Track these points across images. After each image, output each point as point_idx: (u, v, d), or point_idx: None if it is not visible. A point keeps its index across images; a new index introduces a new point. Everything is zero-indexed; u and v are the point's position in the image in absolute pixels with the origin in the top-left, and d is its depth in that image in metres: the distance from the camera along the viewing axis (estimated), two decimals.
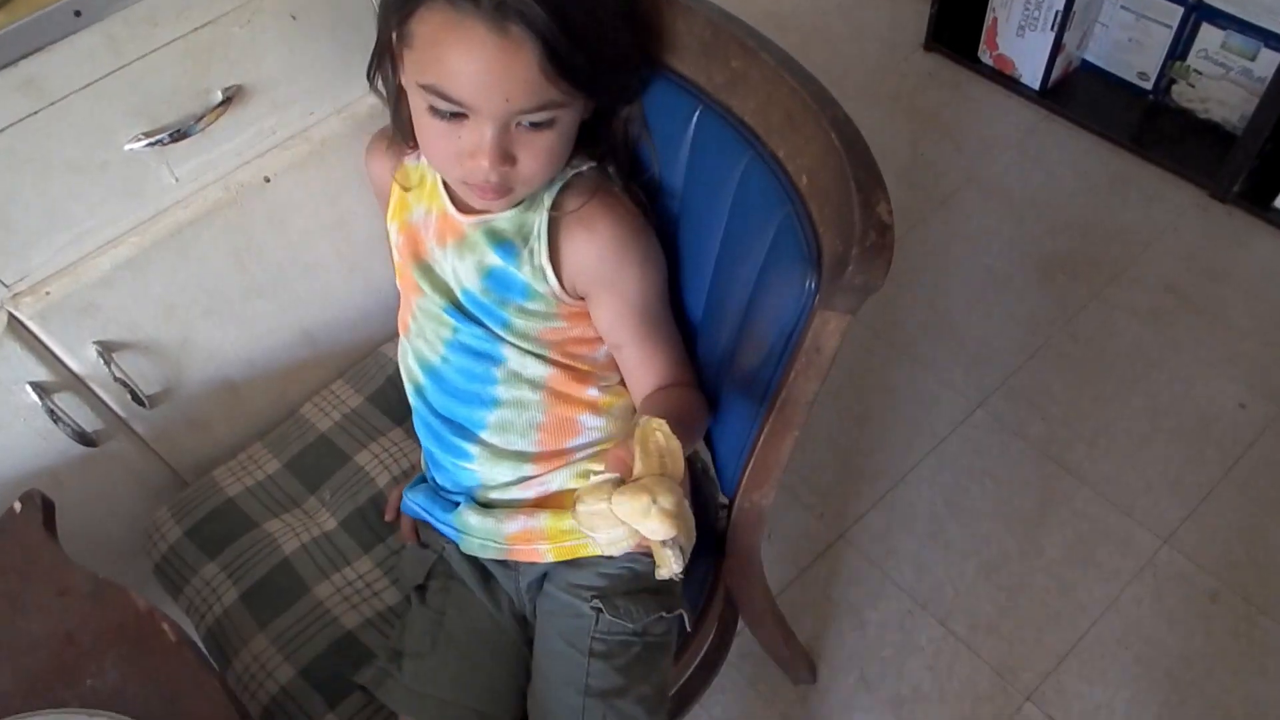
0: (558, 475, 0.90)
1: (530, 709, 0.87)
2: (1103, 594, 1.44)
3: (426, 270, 0.89)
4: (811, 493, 1.57)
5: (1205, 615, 1.41)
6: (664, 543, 0.64)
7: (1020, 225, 1.92)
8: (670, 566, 0.65)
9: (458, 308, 0.88)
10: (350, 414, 1.12)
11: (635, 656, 0.88)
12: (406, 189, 0.90)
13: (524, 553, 0.90)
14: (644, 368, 0.89)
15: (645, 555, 0.90)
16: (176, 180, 0.94)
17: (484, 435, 0.90)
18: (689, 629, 0.94)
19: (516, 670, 0.91)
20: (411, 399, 0.96)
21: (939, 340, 1.75)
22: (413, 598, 0.94)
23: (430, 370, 0.92)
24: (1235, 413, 1.62)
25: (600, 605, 0.87)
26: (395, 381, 1.03)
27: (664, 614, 0.90)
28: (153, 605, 0.74)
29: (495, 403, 0.89)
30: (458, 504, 0.93)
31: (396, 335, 0.98)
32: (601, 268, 0.84)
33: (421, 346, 0.92)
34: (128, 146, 0.88)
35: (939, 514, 1.53)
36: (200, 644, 0.91)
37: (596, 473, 0.88)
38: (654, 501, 0.63)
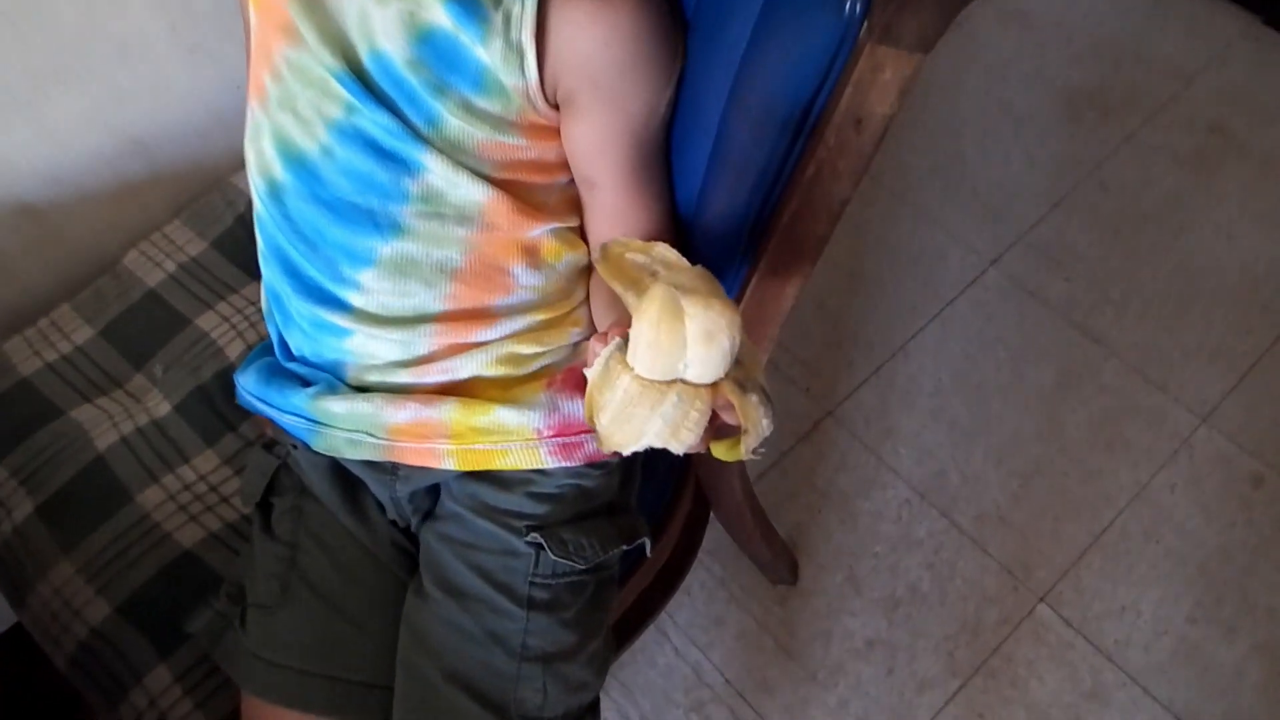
0: (469, 358, 0.65)
1: (412, 667, 0.65)
2: (1130, 480, 1.24)
3: (313, 4, 0.59)
4: (796, 364, 1.34)
5: (1247, 503, 1.23)
6: (755, 399, 0.45)
7: (1043, 54, 1.65)
8: (760, 427, 0.45)
9: (359, 78, 0.59)
10: (189, 264, 0.86)
11: (587, 602, 0.67)
12: None
13: (411, 453, 0.66)
14: (620, 220, 0.64)
15: (592, 468, 0.67)
16: None
17: (368, 279, 0.64)
18: (649, 554, 0.72)
19: (398, 617, 0.68)
20: (260, 206, 0.68)
21: (947, 188, 1.50)
22: (254, 524, 0.71)
23: (298, 163, 0.63)
24: None
25: (541, 541, 0.64)
26: (249, 221, 0.76)
27: (625, 545, 0.68)
28: None
29: (397, 230, 0.62)
30: (311, 385, 0.68)
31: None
32: (605, 67, 0.58)
33: (286, 124, 0.63)
34: None
35: (943, 389, 1.31)
36: None
37: (525, 355, 0.64)
38: (718, 316, 0.43)
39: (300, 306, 0.66)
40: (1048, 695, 1.12)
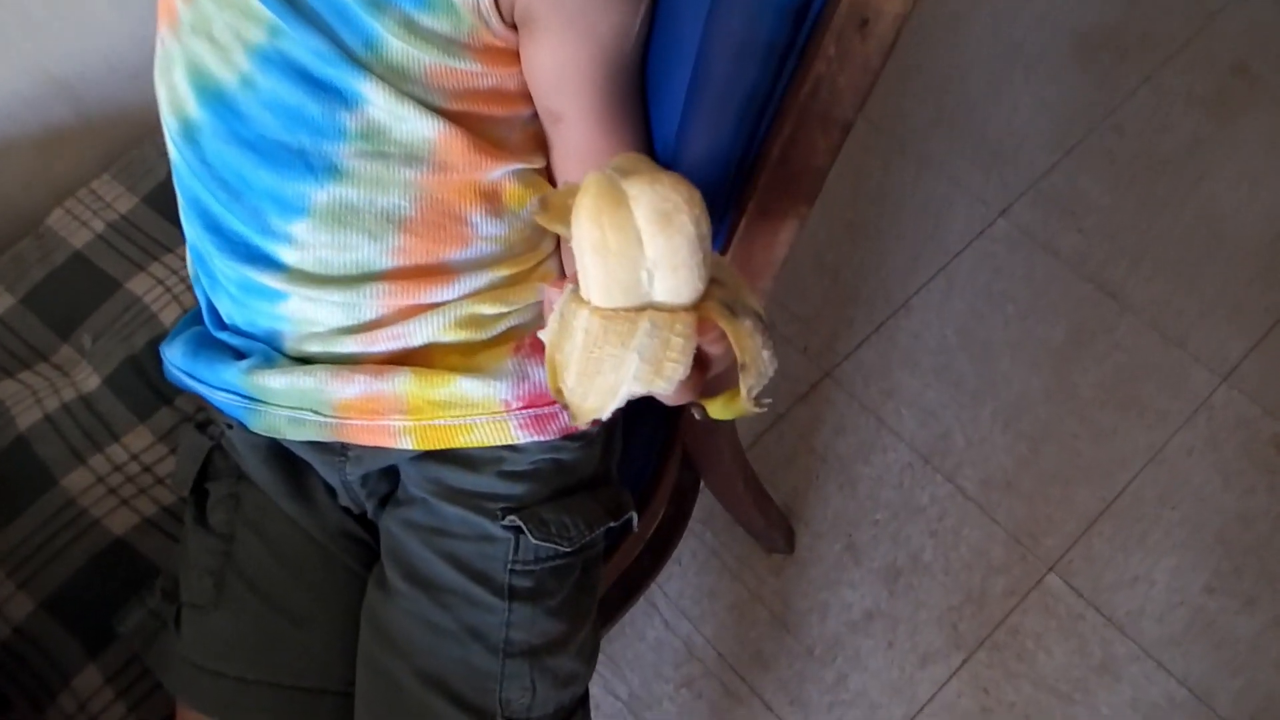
0: (424, 322, 0.57)
1: (376, 668, 0.58)
2: (1145, 443, 1.18)
3: None
4: (792, 321, 1.27)
5: (1269, 467, 1.17)
6: (749, 324, 0.38)
7: None
8: (761, 361, 0.38)
9: None
10: (119, 222, 0.79)
11: (574, 586, 0.61)
12: None
13: (362, 431, 0.59)
14: (589, 160, 0.56)
15: (569, 440, 0.60)
16: None
17: (302, 231, 0.56)
18: (635, 529, 0.65)
19: (352, 614, 0.61)
20: (174, 151, 0.59)
21: (953, 134, 1.42)
22: (187, 514, 0.64)
23: (215, 98, 0.55)
24: None
25: (519, 523, 0.58)
26: None
27: (611, 522, 0.61)
28: None
29: (333, 173, 0.54)
30: (245, 357, 0.60)
31: None
32: None
33: (201, 52, 0.54)
34: None
35: (948, 346, 1.24)
36: None
37: (488, 316, 0.56)
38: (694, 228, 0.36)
39: (225, 267, 0.58)
40: (1056, 668, 1.07)
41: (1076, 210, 1.35)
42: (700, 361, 0.38)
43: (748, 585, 1.13)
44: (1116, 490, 1.16)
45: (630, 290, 0.36)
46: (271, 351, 0.59)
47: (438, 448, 0.58)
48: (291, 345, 0.59)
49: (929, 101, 1.45)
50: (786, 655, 1.08)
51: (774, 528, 1.10)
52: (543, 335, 0.39)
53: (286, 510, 0.62)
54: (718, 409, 0.44)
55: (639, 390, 0.37)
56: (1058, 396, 1.22)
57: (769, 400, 0.38)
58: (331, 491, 0.63)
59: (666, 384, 0.37)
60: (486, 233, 0.57)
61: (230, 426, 0.62)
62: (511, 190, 0.57)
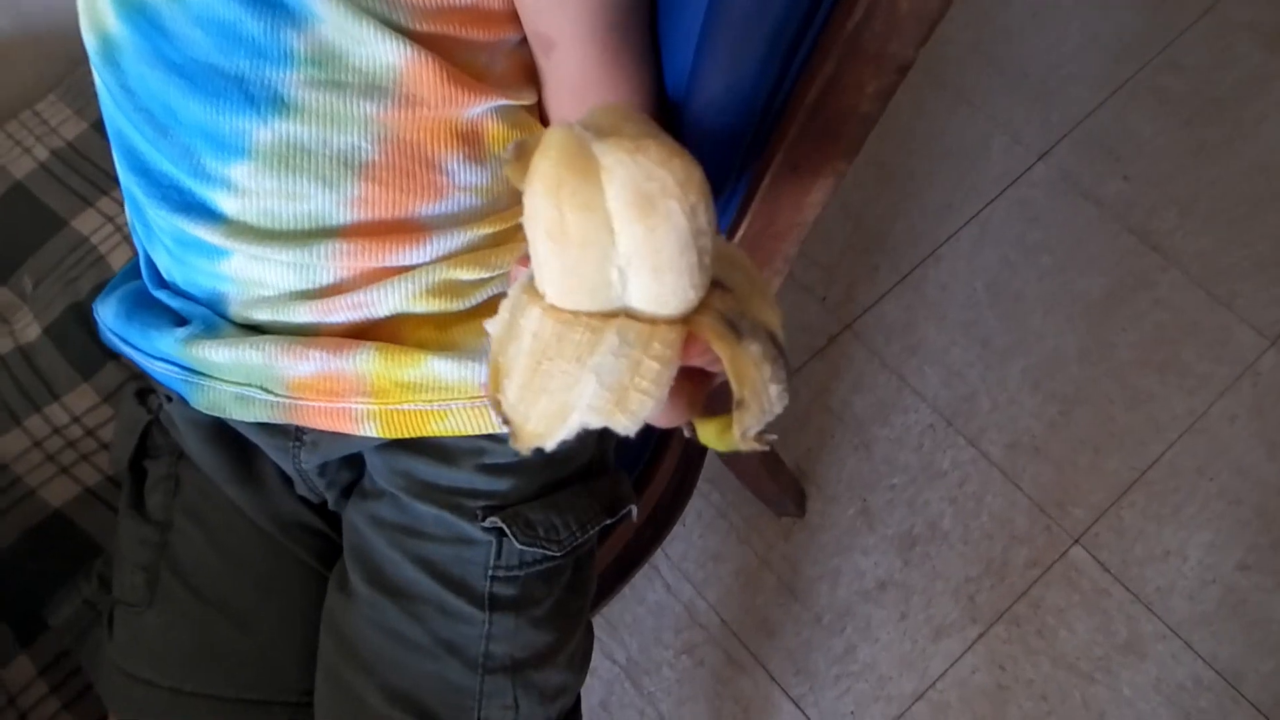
0: (391, 288, 0.49)
1: (338, 681, 0.52)
2: (1185, 408, 1.10)
3: None
4: (811, 268, 1.19)
5: None
6: (756, 350, 0.29)
7: None
8: (766, 397, 0.30)
9: None
10: (64, 150, 0.72)
11: (563, 590, 0.54)
12: None
13: (319, 413, 0.52)
14: (586, 95, 0.48)
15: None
16: None
17: (243, 175, 0.48)
18: (634, 519, 0.58)
19: (308, 616, 0.55)
20: (95, 75, 0.51)
21: (992, 68, 1.31)
22: (123, 494, 0.57)
23: (138, 10, 0.46)
24: None
25: (501, 525, 0.51)
26: None
27: (607, 519, 0.55)
28: None
29: (278, 105, 0.46)
30: (186, 322, 0.53)
31: None
32: None
33: None
34: None
35: (977, 300, 1.16)
36: None
37: (466, 283, 0.48)
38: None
39: (158, 216, 0.50)
40: (1078, 646, 1.01)
41: (1122, 155, 1.25)
42: (699, 375, 0.31)
43: (755, 549, 1.07)
44: (1151, 459, 1.09)
45: (596, 291, 0.27)
46: (214, 317, 0.51)
47: (407, 436, 0.51)
48: (237, 310, 0.51)
49: (967, 31, 1.34)
50: (793, 623, 1.03)
51: (785, 491, 1.04)
52: (489, 327, 0.31)
53: (232, 496, 0.55)
54: (710, 435, 0.36)
55: (593, 422, 0.29)
56: (1093, 356, 1.14)
57: (774, 436, 0.30)
58: (286, 477, 0.56)
59: (629, 420, 0.28)
60: (464, 182, 0.49)
61: (170, 399, 0.55)
62: (495, 131, 0.49)
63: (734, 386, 0.29)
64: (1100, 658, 1.01)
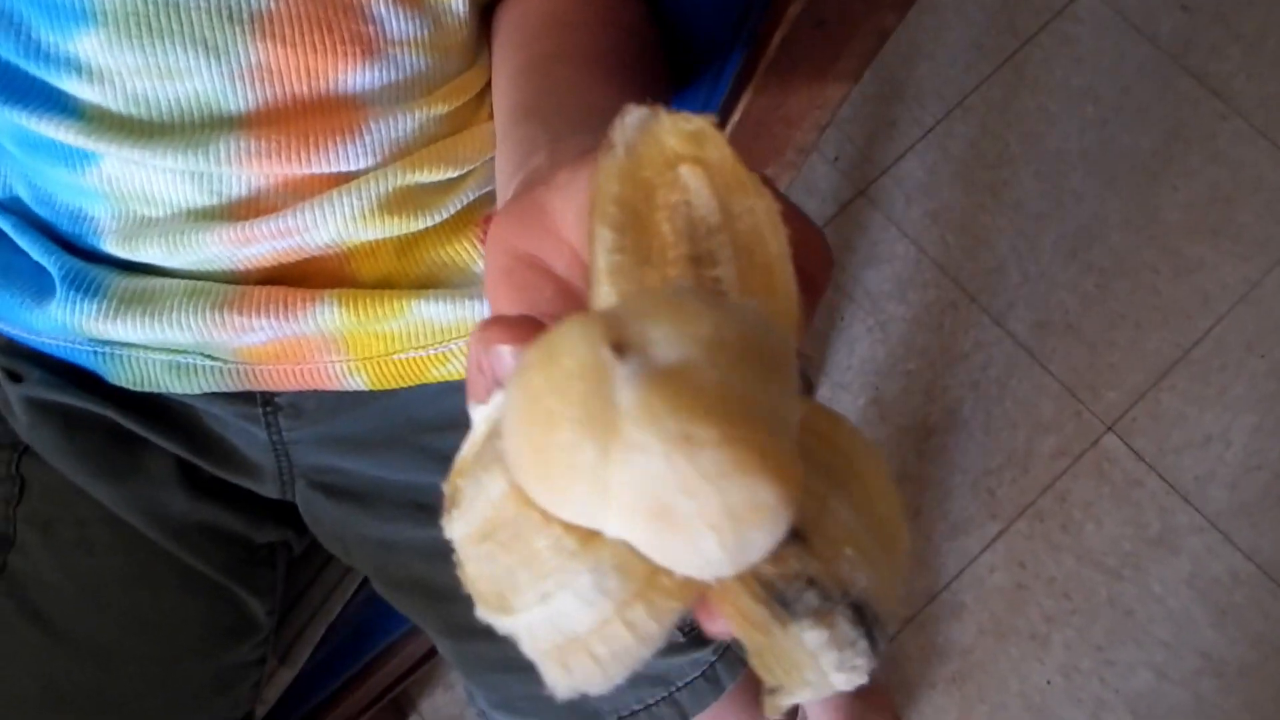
0: (327, 206, 0.37)
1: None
2: (1237, 277, 0.99)
3: None
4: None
5: None
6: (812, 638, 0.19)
7: None
8: (819, 684, 0.20)
9: None
10: None
11: None
12: None
13: (287, 376, 0.41)
14: None
15: None
16: None
17: (92, 48, 0.35)
18: None
19: (200, 646, 0.45)
20: None
21: None
22: None
23: None
24: None
25: None
26: None
27: None
28: None
29: None
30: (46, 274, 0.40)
31: None
32: None
33: None
34: None
35: (1010, 156, 1.02)
36: None
37: (429, 186, 0.37)
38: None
39: None
40: (1105, 540, 0.93)
41: None
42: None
43: None
44: (1198, 335, 0.98)
45: (578, 509, 0.18)
46: (88, 267, 0.38)
47: (405, 385, 0.41)
48: (116, 241, 0.39)
49: None
50: None
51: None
52: (474, 413, 0.21)
53: (101, 499, 0.43)
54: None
55: (534, 657, 0.19)
56: (1137, 221, 1.01)
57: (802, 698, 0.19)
58: (184, 466, 0.44)
59: (570, 685, 0.18)
60: (401, 33, 0.36)
61: (12, 376, 0.42)
62: None
63: (760, 672, 0.19)
64: (1129, 553, 0.93)
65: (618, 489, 0.16)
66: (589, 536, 0.18)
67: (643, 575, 0.18)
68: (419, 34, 0.37)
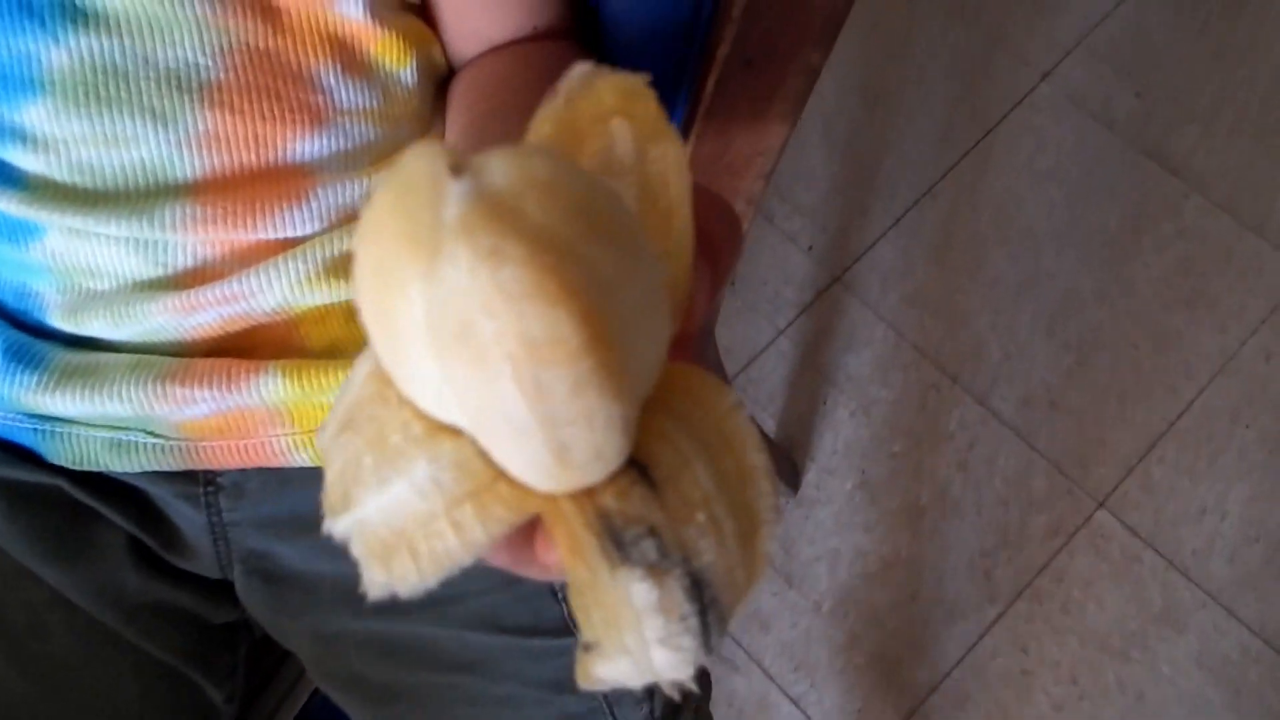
0: (273, 270, 0.38)
1: None
2: (1215, 348, 0.99)
3: None
4: (794, 214, 1.06)
5: None
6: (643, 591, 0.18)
7: None
8: (651, 664, 0.18)
9: None
10: None
11: None
12: None
13: (231, 453, 0.40)
14: None
15: None
16: None
17: (39, 118, 0.35)
18: None
19: None
20: None
21: None
22: None
23: None
24: None
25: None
26: None
27: None
28: None
29: (72, 13, 0.34)
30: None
31: None
32: None
33: None
34: None
35: (982, 239, 1.04)
36: None
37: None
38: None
39: None
40: (1109, 620, 0.91)
41: (1135, 67, 1.11)
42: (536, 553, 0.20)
43: None
44: (1181, 406, 0.98)
45: (424, 398, 0.18)
46: (30, 341, 0.38)
47: None
48: (61, 316, 0.39)
49: None
50: (790, 613, 0.92)
51: (775, 465, 0.92)
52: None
53: (49, 580, 0.42)
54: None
55: (360, 555, 0.19)
56: (1112, 295, 1.02)
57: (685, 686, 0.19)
58: (137, 545, 0.43)
59: (386, 584, 0.19)
60: (349, 103, 0.37)
61: None
62: (378, 37, 0.37)
63: (580, 623, 0.19)
64: (1134, 632, 0.90)
65: (432, 308, 0.16)
66: (438, 429, 0.18)
67: (481, 477, 0.18)
68: (368, 104, 0.38)
